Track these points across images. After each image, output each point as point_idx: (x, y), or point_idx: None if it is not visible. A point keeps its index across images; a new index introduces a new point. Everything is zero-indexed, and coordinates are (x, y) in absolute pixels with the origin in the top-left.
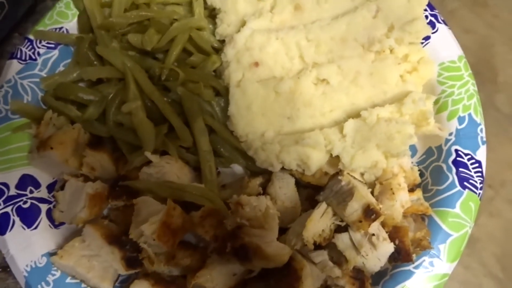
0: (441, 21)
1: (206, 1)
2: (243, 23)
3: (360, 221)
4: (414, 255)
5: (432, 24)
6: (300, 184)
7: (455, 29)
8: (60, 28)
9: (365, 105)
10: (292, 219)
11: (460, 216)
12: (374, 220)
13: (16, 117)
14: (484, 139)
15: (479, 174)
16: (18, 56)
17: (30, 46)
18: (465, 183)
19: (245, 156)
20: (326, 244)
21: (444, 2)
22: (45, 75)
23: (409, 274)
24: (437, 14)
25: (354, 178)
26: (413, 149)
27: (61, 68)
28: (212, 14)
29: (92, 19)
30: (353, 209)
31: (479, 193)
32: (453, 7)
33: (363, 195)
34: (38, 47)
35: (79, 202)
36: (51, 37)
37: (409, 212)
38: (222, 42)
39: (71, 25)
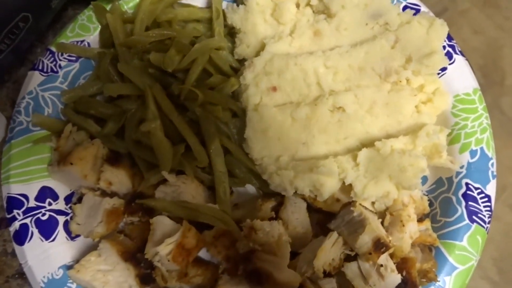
0: (458, 52)
1: (225, 19)
2: (262, 45)
3: (370, 253)
4: (420, 287)
5: (449, 55)
6: (312, 208)
7: (465, 29)
8: (82, 41)
9: (379, 134)
10: (303, 245)
11: (466, 249)
12: (383, 252)
13: (36, 129)
14: (495, 173)
15: (488, 208)
16: (40, 67)
17: (52, 58)
18: (474, 217)
19: (258, 178)
20: (335, 272)
21: (455, 2)
22: (65, 88)
23: None
24: (454, 44)
25: (366, 208)
26: (423, 177)
27: (81, 81)
28: (231, 32)
29: (114, 36)
30: (364, 241)
31: (487, 227)
32: (464, 7)
33: (374, 228)
34: (60, 60)
35: (96, 217)
36: (74, 50)
37: (417, 242)
38: (241, 61)
39: (92, 38)
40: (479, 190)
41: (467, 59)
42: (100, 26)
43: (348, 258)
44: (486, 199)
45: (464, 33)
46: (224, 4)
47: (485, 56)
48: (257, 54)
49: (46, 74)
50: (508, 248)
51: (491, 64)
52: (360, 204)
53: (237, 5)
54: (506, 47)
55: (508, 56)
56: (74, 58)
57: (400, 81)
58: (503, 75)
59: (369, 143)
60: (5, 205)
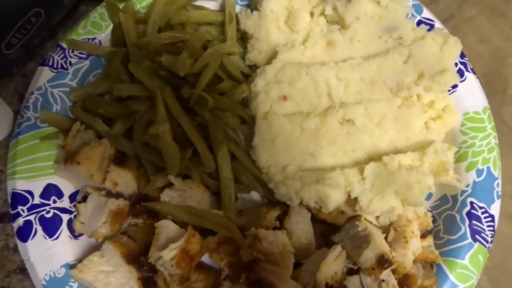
0: (470, 70)
1: (238, 23)
2: (274, 52)
3: (373, 269)
4: None
5: (460, 72)
6: (316, 219)
7: (471, 37)
8: (93, 39)
9: (387, 149)
10: (306, 256)
11: (468, 268)
12: (386, 268)
13: (44, 126)
14: (500, 193)
15: (491, 228)
16: (50, 63)
17: (63, 55)
18: (477, 236)
19: (264, 186)
20: (337, 285)
21: (462, 9)
22: (75, 85)
23: None
24: (466, 62)
25: (370, 223)
26: (428, 193)
27: (90, 79)
28: (243, 36)
29: (126, 36)
30: (368, 257)
31: (489, 246)
32: (471, 14)
33: (379, 244)
34: (70, 57)
35: (100, 217)
36: (85, 48)
37: (419, 258)
38: (252, 67)
39: (104, 36)
40: (483, 210)
41: (478, 77)
42: (112, 25)
43: (350, 272)
44: (490, 218)
45: (470, 41)
46: (238, 8)
47: (489, 65)
48: (269, 61)
49: (56, 71)
50: (500, 257)
51: (495, 73)
52: (365, 218)
53: (251, 10)
54: (510, 57)
55: None
56: (84, 56)
57: (411, 97)
58: (506, 85)
59: (376, 157)
60: (9, 200)
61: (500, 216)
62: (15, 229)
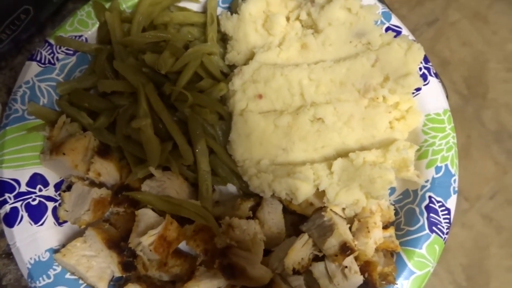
0: (433, 74)
1: (219, 25)
2: (252, 53)
3: (336, 255)
4: None
5: (424, 77)
6: (286, 210)
7: (453, 40)
8: (80, 36)
9: (354, 146)
10: (276, 244)
11: (425, 257)
12: (348, 255)
13: (31, 118)
14: (456, 189)
15: (447, 220)
16: (38, 58)
17: (50, 51)
18: (434, 227)
19: (239, 178)
20: (304, 271)
21: (447, 13)
22: (61, 80)
23: None
24: (430, 67)
25: (336, 214)
26: (392, 188)
27: (77, 74)
28: (223, 38)
29: (112, 34)
30: (331, 244)
31: (445, 237)
32: (455, 18)
33: (342, 233)
34: (58, 52)
35: (83, 205)
36: (72, 44)
37: (381, 248)
38: (231, 67)
39: (90, 34)
40: (440, 203)
41: (440, 81)
42: (98, 23)
43: (316, 259)
44: (446, 212)
45: (453, 44)
46: (219, 11)
47: (470, 68)
48: (247, 61)
49: (43, 66)
50: (477, 256)
51: (476, 76)
52: (331, 209)
53: (231, 13)
54: (491, 62)
55: (493, 70)
56: (71, 52)
57: (377, 98)
58: (486, 89)
59: (344, 154)
60: None
61: (478, 216)
62: (2, 215)
